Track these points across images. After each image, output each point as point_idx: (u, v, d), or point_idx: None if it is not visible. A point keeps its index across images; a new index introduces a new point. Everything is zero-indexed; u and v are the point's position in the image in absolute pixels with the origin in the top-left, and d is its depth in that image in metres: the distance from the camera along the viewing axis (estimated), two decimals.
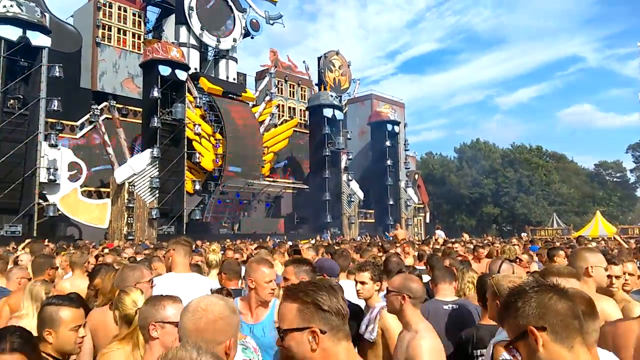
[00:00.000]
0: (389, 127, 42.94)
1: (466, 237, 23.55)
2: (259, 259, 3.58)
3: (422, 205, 47.45)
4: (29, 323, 2.77)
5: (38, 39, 24.24)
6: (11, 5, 23.91)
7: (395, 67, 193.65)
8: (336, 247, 8.65)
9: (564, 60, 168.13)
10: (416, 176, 48.07)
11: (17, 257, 6.89)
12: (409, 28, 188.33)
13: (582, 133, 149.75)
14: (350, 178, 39.45)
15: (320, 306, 1.47)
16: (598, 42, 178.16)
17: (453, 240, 17.74)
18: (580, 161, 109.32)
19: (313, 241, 18.26)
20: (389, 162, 41.96)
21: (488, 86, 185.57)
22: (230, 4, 37.41)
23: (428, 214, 48.90)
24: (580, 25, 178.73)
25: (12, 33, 23.51)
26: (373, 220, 41.98)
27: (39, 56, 24.34)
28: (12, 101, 23.86)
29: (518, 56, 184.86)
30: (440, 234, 22.28)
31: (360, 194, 39.99)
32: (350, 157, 41.90)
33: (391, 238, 20.23)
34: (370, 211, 42.63)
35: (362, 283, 3.67)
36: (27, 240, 13.42)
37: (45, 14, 26.32)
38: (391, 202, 41.69)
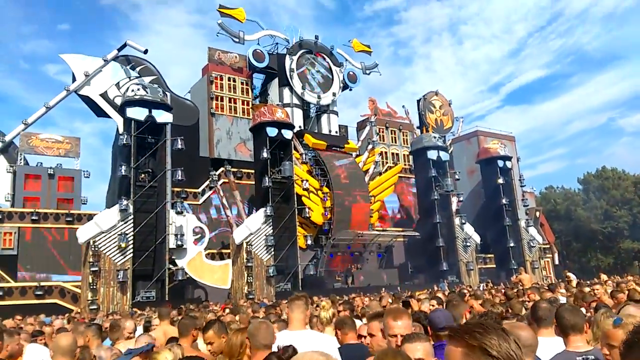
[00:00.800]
0: (500, 163, 40.48)
1: (604, 277, 20.62)
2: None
3: (548, 246, 43.36)
4: None
5: (162, 117, 26.77)
6: (138, 89, 26.88)
7: (500, 100, 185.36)
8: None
9: None
10: (537, 213, 44.36)
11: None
12: (511, 58, 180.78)
13: None
14: (463, 221, 37.43)
15: (489, 351, 1.27)
16: None
17: (588, 282, 15.51)
18: None
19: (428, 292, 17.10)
20: (504, 200, 39.25)
21: (608, 108, 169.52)
22: (328, 60, 38.77)
23: (556, 255, 44.47)
24: None
25: (140, 113, 26.22)
26: (494, 266, 39.11)
27: (164, 132, 26.77)
28: (142, 175, 26.29)
29: (638, 71, 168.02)
30: (572, 277, 19.85)
31: (477, 238, 37.63)
32: (461, 199, 39.95)
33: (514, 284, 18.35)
34: (489, 256, 39.85)
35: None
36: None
37: (167, 93, 29.20)
38: (512, 244, 38.60)
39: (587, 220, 56.16)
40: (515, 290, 11.90)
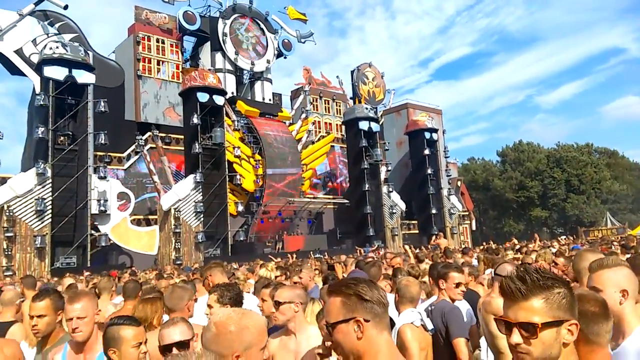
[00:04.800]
0: (427, 135, 42.27)
1: (515, 242, 22.71)
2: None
3: (467, 213, 46.31)
4: None
5: (83, 77, 25.45)
6: (57, 47, 25.29)
7: (429, 74, 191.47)
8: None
9: (604, 53, 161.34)
10: (459, 183, 47.06)
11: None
12: (440, 34, 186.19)
13: (631, 126, 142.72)
14: (390, 189, 39.07)
15: (362, 296, 1.55)
16: (639, 32, 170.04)
17: (494, 246, 17.03)
18: (633, 156, 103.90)
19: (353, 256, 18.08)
20: (429, 170, 41.22)
21: (527, 86, 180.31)
22: (262, 26, 38.21)
23: (474, 222, 47.65)
24: (618, 16, 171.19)
25: (59, 73, 24.77)
26: (417, 231, 41.31)
27: (85, 93, 25.52)
28: (62, 138, 25.07)
29: (556, 53, 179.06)
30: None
31: (402, 205, 39.49)
32: (390, 168, 41.50)
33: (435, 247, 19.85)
34: (413, 222, 42.00)
35: None
36: (87, 273, 13.96)
37: (89, 52, 27.69)
38: (434, 211, 40.88)
39: (503, 190, 60.39)
40: (430, 253, 12.99)
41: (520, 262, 5.99)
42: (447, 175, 43.90)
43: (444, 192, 42.33)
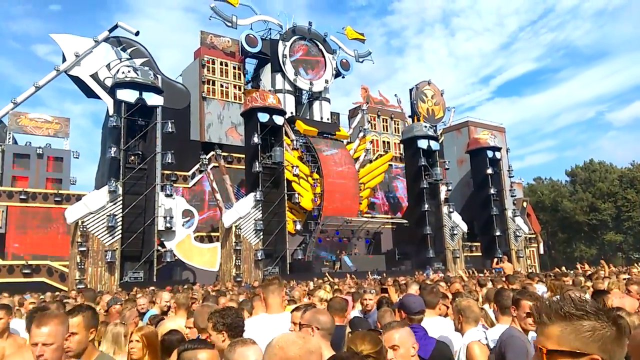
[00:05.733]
0: (490, 153, 40.75)
1: (586, 267, 21.11)
2: None
3: (534, 235, 44.02)
4: None
5: (152, 99, 26.70)
6: (129, 71, 26.78)
7: (490, 91, 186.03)
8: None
9: None
10: (524, 204, 44.92)
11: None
12: (502, 50, 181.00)
13: None
14: (451, 210, 37.84)
15: None
16: None
17: (564, 272, 15.85)
18: None
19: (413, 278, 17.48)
20: (492, 190, 39.60)
21: (597, 102, 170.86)
22: (321, 47, 38.74)
23: (542, 245, 45.15)
24: None
25: (130, 96, 26.12)
26: (480, 254, 39.66)
27: (154, 114, 26.73)
28: (132, 157, 26.31)
29: (628, 67, 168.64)
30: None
31: (464, 226, 38.10)
32: (450, 188, 40.34)
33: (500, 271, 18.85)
34: (476, 244, 40.40)
35: None
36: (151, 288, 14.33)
37: (158, 75, 29.13)
38: (498, 233, 39.07)
39: (573, 211, 56.97)
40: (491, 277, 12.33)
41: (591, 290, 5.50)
42: (512, 196, 42.03)
43: (509, 213, 40.46)
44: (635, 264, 24.18)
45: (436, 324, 4.00)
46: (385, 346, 2.83)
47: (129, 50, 32.43)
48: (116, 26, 31.98)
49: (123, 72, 26.72)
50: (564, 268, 21.23)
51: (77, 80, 31.24)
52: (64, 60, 30.71)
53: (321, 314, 2.99)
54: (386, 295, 6.61)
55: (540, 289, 7.74)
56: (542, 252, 44.47)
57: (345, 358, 1.82)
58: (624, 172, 59.90)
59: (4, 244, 26.98)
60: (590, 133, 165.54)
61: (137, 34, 32.27)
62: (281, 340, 1.69)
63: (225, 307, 3.58)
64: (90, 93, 31.67)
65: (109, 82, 29.11)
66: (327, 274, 21.14)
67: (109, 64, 31.44)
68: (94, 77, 31.20)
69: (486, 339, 3.52)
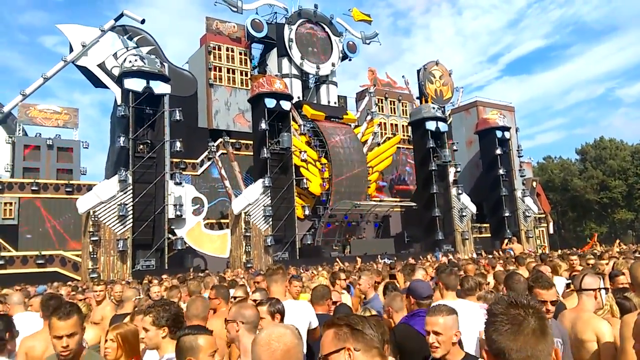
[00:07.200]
0: (499, 133, 40.40)
1: (595, 239, 21.10)
2: None
3: (543, 215, 43.84)
4: None
5: (159, 87, 26.74)
6: (135, 60, 26.74)
7: (499, 70, 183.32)
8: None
9: None
10: (534, 184, 44.66)
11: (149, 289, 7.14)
12: (510, 28, 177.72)
13: None
14: (460, 191, 37.74)
15: (353, 327, 1.62)
16: None
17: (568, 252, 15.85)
18: None
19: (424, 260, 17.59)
20: (501, 171, 39.37)
21: (607, 78, 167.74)
22: (327, 30, 38.35)
23: (551, 224, 44.99)
24: None
25: (138, 84, 26.16)
26: (489, 235, 39.66)
27: (162, 103, 26.80)
28: (141, 146, 26.48)
29: (637, 42, 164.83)
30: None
31: (473, 208, 38.03)
32: (459, 169, 40.20)
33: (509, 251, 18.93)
34: (485, 225, 40.37)
35: None
36: (164, 276, 14.60)
37: (164, 63, 29.05)
38: (507, 214, 38.99)
39: (583, 190, 56.55)
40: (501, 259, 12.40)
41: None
42: (521, 176, 41.77)
43: (518, 193, 40.29)
44: None
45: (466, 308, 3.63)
46: (430, 330, 2.78)
47: (135, 39, 32.36)
48: (122, 15, 31.89)
49: (130, 61, 26.69)
50: (574, 249, 21.26)
51: (84, 70, 31.32)
52: (71, 50, 30.76)
53: (245, 308, 2.96)
54: (394, 281, 6.63)
55: (559, 283, 6.29)
56: (551, 231, 44.32)
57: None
58: (635, 149, 59.14)
59: (17, 235, 27.46)
60: (600, 110, 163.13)
61: (142, 22, 32.19)
62: (274, 334, 1.77)
63: (165, 301, 3.34)
64: (97, 83, 31.77)
65: (116, 72, 29.15)
66: (337, 259, 21.34)
67: (115, 53, 31.42)
68: (101, 66, 31.25)
69: None
